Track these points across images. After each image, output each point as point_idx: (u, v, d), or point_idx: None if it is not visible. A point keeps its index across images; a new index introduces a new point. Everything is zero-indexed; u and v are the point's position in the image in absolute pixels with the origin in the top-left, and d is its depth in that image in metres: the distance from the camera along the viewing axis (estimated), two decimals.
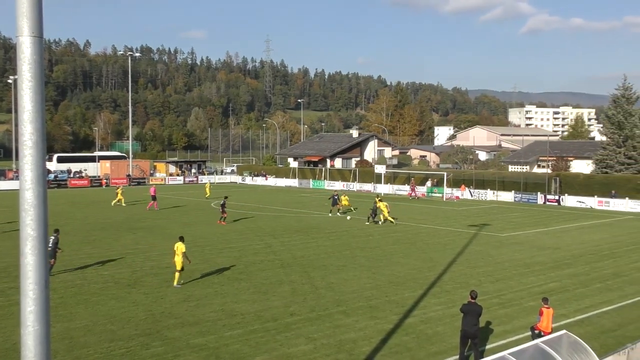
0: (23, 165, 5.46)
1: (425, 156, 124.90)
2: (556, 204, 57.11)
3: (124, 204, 51.50)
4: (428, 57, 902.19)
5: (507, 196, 60.74)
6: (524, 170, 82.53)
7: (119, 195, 52.65)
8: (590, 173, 67.28)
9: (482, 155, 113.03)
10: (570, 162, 79.58)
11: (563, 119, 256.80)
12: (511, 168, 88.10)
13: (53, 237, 23.78)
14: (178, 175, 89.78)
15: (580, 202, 55.97)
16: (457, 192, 63.33)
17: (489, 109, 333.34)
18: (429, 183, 68.15)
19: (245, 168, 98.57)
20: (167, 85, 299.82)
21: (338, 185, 73.93)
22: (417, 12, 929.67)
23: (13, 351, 14.87)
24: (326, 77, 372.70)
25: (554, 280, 24.15)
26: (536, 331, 15.28)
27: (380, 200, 42.08)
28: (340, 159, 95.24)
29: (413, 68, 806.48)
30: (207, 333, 16.72)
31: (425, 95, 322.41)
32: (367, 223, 40.58)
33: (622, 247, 32.62)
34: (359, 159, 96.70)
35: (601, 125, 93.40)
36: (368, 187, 71.83)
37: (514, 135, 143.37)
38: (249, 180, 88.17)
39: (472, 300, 14.80)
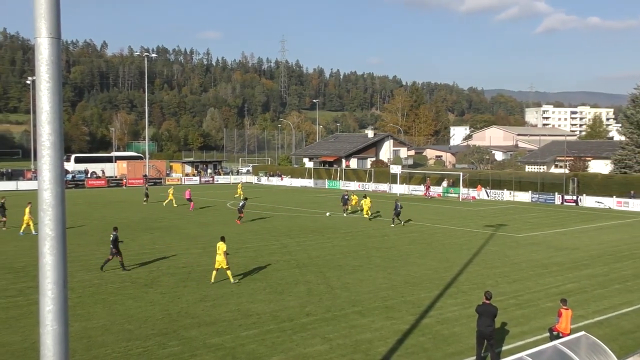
0: (41, 166, 5.50)
1: (441, 156, 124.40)
2: (574, 204, 56.60)
3: (174, 205, 51.34)
4: (443, 57, 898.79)
5: (524, 196, 60.30)
6: (541, 170, 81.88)
7: (170, 195, 52.33)
8: (609, 173, 66.58)
9: (499, 156, 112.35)
10: (588, 162, 78.79)
11: (581, 118, 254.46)
12: (528, 168, 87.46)
13: (113, 235, 24.83)
14: (194, 175, 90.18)
15: (598, 202, 55.42)
16: (473, 193, 62.99)
17: (505, 109, 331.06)
18: (445, 183, 67.87)
19: (260, 168, 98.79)
20: (183, 85, 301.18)
21: (353, 186, 73.91)
22: (432, 12, 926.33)
23: (32, 350, 15.00)
24: (341, 77, 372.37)
25: (572, 281, 23.92)
26: (554, 332, 15.13)
27: (364, 197, 44.86)
28: (355, 159, 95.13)
29: (428, 68, 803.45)
30: (224, 333, 16.76)
31: (440, 95, 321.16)
32: (392, 225, 39.86)
33: None
34: (374, 159, 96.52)
35: (620, 125, 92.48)
36: (383, 187, 71.66)
37: (531, 135, 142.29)
38: (264, 180, 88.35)
39: (487, 301, 14.71)
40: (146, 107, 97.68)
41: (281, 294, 21.24)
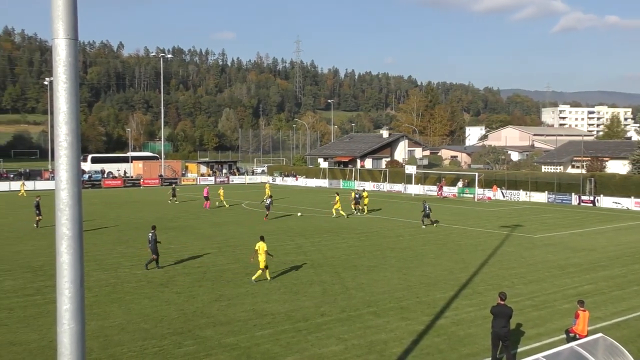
0: (58, 166, 5.54)
1: (457, 156, 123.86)
2: (591, 204, 56.08)
3: (226, 205, 51.37)
4: (459, 56, 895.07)
5: (540, 197, 59.85)
6: (558, 170, 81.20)
7: (221, 196, 52.01)
8: (627, 173, 65.92)
9: (515, 156, 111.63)
10: (606, 163, 78.04)
11: (598, 118, 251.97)
12: (544, 168, 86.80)
13: (151, 234, 25.25)
14: (209, 175, 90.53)
15: (616, 203, 54.86)
16: (488, 193, 62.64)
17: (521, 109, 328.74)
18: (460, 183, 67.56)
19: (275, 168, 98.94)
20: (199, 86, 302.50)
21: (368, 186, 73.77)
22: (448, 11, 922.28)
23: (49, 349, 15.14)
24: (356, 77, 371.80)
25: (589, 282, 23.70)
26: (571, 334, 15.02)
27: (337, 194, 45.47)
28: (370, 160, 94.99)
29: (444, 68, 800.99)
30: (239, 332, 16.80)
31: (456, 95, 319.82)
32: (423, 227, 39.28)
33: None
34: (389, 159, 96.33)
35: (638, 125, 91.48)
36: (398, 187, 71.46)
37: (547, 135, 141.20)
38: (279, 180, 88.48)
39: (502, 302, 14.63)
40: (162, 108, 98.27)
41: (296, 294, 21.25)
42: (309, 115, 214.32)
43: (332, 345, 15.77)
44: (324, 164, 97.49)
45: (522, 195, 61.17)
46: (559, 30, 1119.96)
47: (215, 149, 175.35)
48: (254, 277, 22.95)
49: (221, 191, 53.22)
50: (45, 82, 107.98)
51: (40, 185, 71.85)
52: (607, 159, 79.35)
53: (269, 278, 23.07)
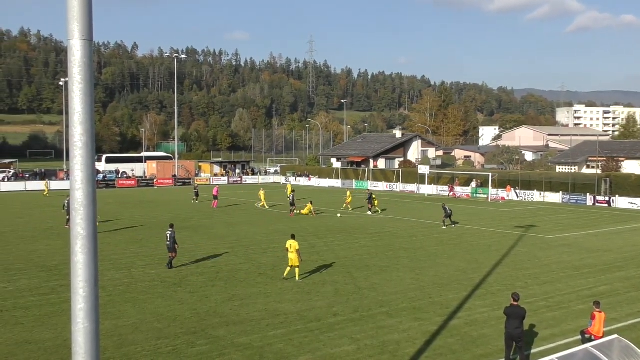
0: (73, 166, 5.58)
1: (470, 156, 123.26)
2: (606, 205, 55.60)
3: (267, 207, 50.74)
4: (472, 56, 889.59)
5: (555, 197, 59.43)
6: (573, 170, 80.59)
7: (262, 197, 51.43)
8: None
9: (529, 156, 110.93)
10: (622, 163, 77.34)
11: (614, 118, 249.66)
12: (559, 169, 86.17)
13: (170, 232, 25.40)
14: (222, 175, 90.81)
15: (632, 203, 54.34)
16: (502, 193, 62.30)
17: (535, 109, 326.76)
18: (473, 184, 67.27)
19: (288, 168, 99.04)
20: (212, 86, 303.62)
21: (381, 186, 73.71)
22: (461, 11, 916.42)
23: (64, 347, 15.26)
24: (369, 77, 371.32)
25: (604, 283, 23.51)
26: (587, 335, 14.90)
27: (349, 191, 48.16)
28: (383, 160, 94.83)
29: (457, 68, 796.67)
30: (251, 332, 16.84)
31: (469, 95, 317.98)
32: (444, 227, 39.14)
33: None
34: (402, 159, 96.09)
35: None
36: (411, 187, 71.27)
37: (562, 135, 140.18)
38: (292, 180, 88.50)
39: (515, 303, 14.56)
40: (176, 108, 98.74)
41: (309, 294, 21.27)
42: (322, 115, 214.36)
43: (344, 346, 15.76)
44: (337, 164, 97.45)
45: (536, 196, 60.78)
46: (573, 29, 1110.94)
47: (229, 149, 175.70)
48: (285, 274, 23.30)
49: (262, 192, 52.44)
50: (61, 83, 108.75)
51: (55, 185, 72.37)
52: (622, 159, 78.62)
53: (297, 278, 23.19)
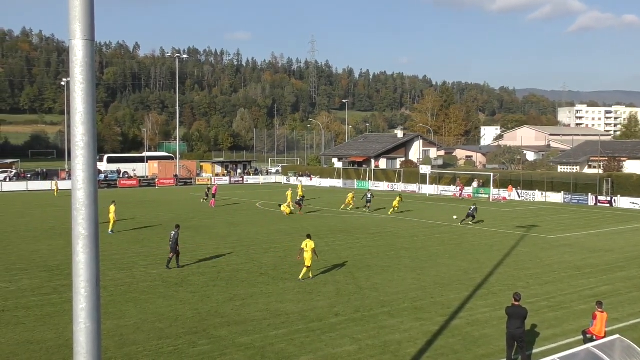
0: (75, 166, 5.59)
1: (472, 156, 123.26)
2: (608, 205, 55.55)
3: (296, 212, 49.19)
4: (474, 56, 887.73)
5: (556, 197, 59.39)
6: (574, 170, 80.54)
7: (289, 199, 49.49)
8: None
9: (530, 156, 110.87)
10: (623, 163, 77.26)
11: (615, 118, 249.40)
12: (560, 169, 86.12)
13: (174, 232, 25.50)
14: (224, 175, 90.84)
15: (634, 203, 54.28)
16: (504, 193, 62.28)
17: (537, 109, 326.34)
18: (475, 184, 67.24)
19: (290, 168, 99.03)
20: (214, 86, 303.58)
21: (383, 186, 73.71)
22: (463, 11, 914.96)
23: (66, 347, 15.27)
24: (371, 77, 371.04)
25: (606, 283, 23.49)
26: (588, 335, 14.89)
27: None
28: (385, 160, 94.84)
29: (459, 68, 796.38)
30: (253, 332, 16.85)
31: (471, 95, 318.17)
32: (460, 224, 40.44)
33: None
34: (403, 159, 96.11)
35: None
36: (413, 187, 71.24)
37: (564, 135, 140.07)
38: (293, 180, 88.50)
39: (516, 303, 14.56)
40: (177, 108, 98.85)
41: (310, 294, 21.27)
42: (324, 115, 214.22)
43: (346, 345, 15.76)
44: (338, 164, 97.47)
45: (537, 196, 60.74)
46: (575, 29, 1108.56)
47: (230, 149, 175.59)
48: (300, 276, 23.25)
49: (289, 192, 51.40)
50: (63, 83, 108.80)
51: (61, 185, 72.25)
52: (624, 159, 78.56)
53: (310, 276, 23.34)
